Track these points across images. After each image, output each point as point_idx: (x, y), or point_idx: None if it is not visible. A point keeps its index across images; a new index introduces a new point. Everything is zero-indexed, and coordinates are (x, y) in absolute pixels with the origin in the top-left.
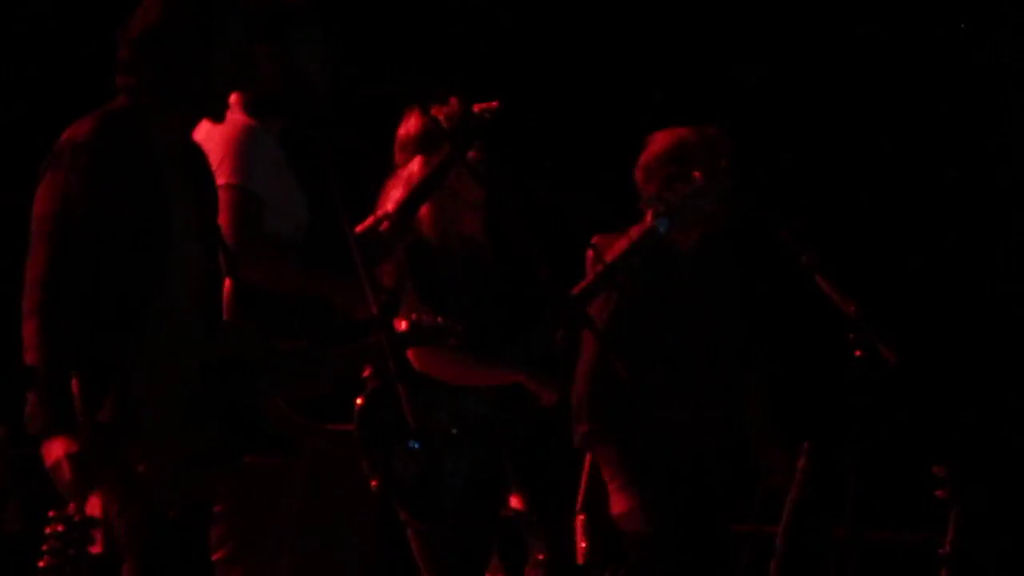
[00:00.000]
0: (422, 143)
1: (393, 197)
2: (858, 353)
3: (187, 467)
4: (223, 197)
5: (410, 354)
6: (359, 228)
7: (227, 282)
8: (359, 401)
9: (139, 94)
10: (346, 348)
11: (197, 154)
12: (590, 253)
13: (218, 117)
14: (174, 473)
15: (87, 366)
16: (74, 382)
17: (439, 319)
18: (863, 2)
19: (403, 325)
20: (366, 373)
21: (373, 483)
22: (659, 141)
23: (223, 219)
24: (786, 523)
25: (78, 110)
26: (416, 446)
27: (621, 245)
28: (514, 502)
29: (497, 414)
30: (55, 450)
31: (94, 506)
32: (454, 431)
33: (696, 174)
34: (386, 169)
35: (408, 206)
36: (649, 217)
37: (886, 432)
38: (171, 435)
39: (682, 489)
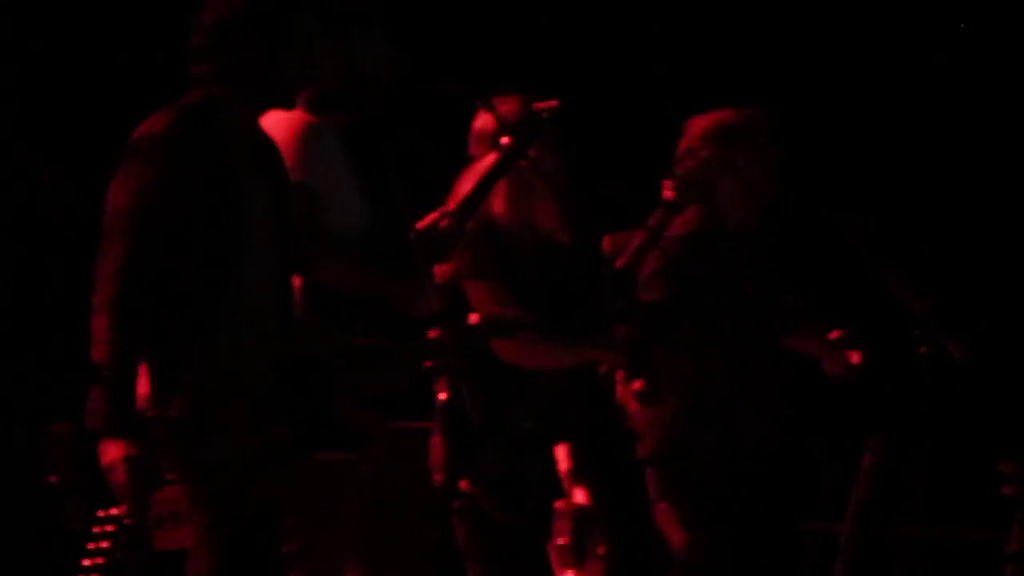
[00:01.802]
0: (496, 138)
1: (463, 191)
2: (923, 349)
3: (258, 464)
4: None
5: (495, 344)
6: (420, 225)
7: (297, 279)
8: (441, 397)
9: (212, 85)
10: (415, 345)
11: (271, 147)
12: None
13: (287, 105)
14: (245, 470)
15: (157, 360)
16: (144, 375)
17: (511, 311)
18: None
19: (474, 318)
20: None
21: (463, 483)
22: (698, 124)
23: None
24: (853, 521)
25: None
26: (504, 444)
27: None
28: (578, 496)
29: (568, 407)
30: (112, 451)
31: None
32: (528, 425)
33: (702, 150)
34: (449, 165)
35: (470, 202)
36: (666, 192)
37: (954, 429)
38: (243, 432)
39: (743, 495)
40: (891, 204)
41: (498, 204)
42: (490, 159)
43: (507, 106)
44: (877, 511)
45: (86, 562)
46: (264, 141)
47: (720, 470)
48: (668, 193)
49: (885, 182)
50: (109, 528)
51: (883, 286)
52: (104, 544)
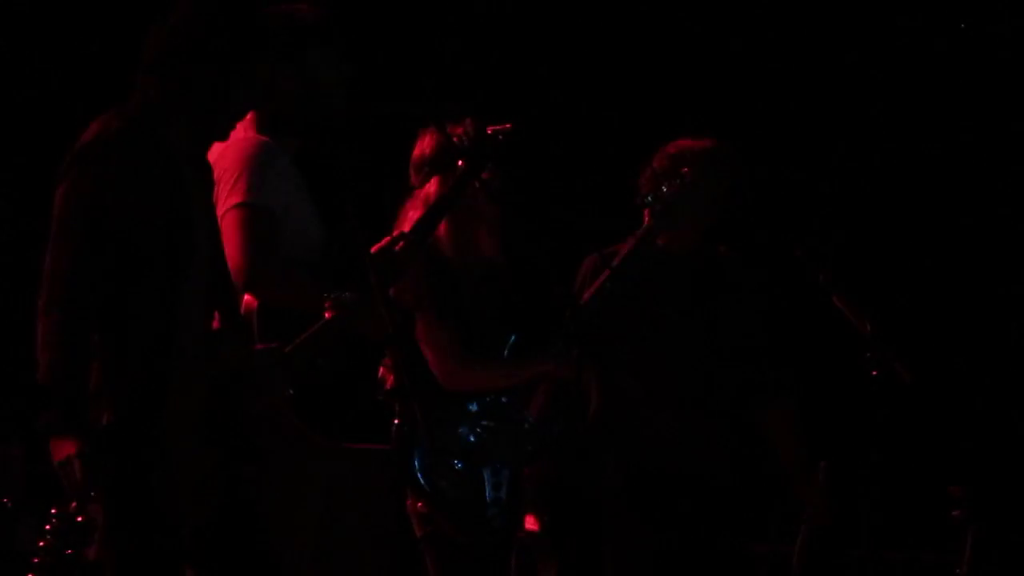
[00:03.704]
0: (437, 164)
1: (411, 218)
2: (874, 372)
3: (198, 490)
4: (239, 215)
5: (439, 374)
6: (374, 247)
7: (252, 299)
8: (396, 422)
9: (156, 98)
10: (298, 340)
11: (206, 168)
12: (588, 262)
13: (223, 137)
14: (189, 497)
15: (105, 368)
16: (94, 370)
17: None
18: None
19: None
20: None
21: (420, 505)
22: (669, 149)
23: (238, 237)
24: (802, 543)
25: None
26: (459, 465)
27: (624, 248)
28: (529, 523)
29: (519, 431)
30: (65, 447)
31: (95, 510)
32: (472, 440)
33: (685, 170)
34: (401, 188)
35: (424, 225)
36: (647, 216)
37: (903, 452)
38: (188, 457)
39: (667, 504)
40: (840, 227)
41: (441, 230)
42: (432, 185)
43: (459, 129)
44: (827, 533)
45: (35, 559)
46: (201, 161)
47: (616, 489)
48: (647, 220)
49: (835, 206)
50: (59, 526)
51: (833, 308)
52: (54, 542)
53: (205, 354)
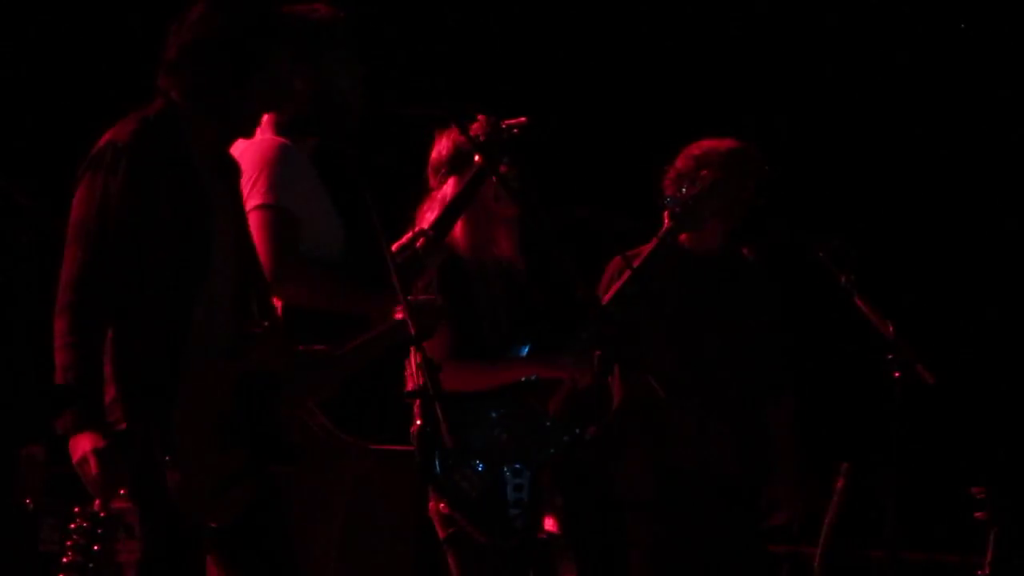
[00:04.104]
0: (454, 164)
1: (427, 220)
2: (896, 374)
3: (220, 490)
4: (259, 216)
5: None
6: (394, 246)
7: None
8: (417, 424)
9: (178, 98)
10: (359, 341)
11: (232, 167)
12: (614, 263)
13: (247, 134)
14: (208, 497)
15: (124, 372)
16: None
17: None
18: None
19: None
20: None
21: (442, 506)
22: (692, 151)
23: (260, 238)
24: (824, 544)
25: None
26: (480, 466)
27: (646, 250)
28: (548, 524)
29: (540, 432)
30: (82, 445)
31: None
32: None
33: (704, 172)
34: (418, 186)
35: (443, 223)
36: (667, 218)
37: (925, 453)
38: (207, 458)
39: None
40: (861, 229)
41: (457, 229)
42: (449, 186)
43: (475, 126)
44: (848, 534)
45: (64, 559)
46: (226, 159)
47: (643, 487)
48: (668, 222)
49: (858, 208)
50: (84, 524)
51: (855, 310)
52: (81, 540)
53: (231, 355)
